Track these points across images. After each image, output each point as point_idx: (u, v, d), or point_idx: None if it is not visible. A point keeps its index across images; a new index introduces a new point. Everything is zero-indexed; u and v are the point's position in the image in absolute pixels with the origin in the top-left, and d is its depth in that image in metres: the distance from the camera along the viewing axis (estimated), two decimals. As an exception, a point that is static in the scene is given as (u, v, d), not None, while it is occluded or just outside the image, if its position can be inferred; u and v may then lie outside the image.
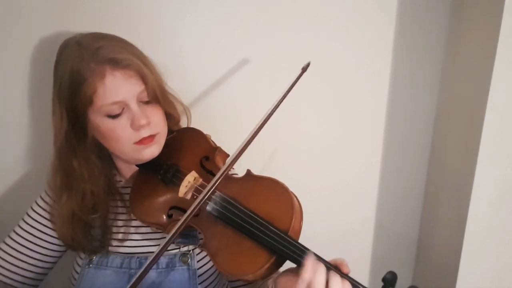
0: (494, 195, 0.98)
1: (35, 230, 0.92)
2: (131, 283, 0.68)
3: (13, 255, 0.92)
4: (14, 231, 0.93)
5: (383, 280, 0.71)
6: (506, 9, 0.87)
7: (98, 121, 0.82)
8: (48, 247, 0.93)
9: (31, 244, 0.92)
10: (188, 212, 0.74)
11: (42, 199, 0.94)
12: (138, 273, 0.68)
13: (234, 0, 1.04)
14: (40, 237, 0.93)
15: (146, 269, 0.69)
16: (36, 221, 0.93)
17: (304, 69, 0.86)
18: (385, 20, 1.08)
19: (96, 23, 0.92)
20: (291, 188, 0.81)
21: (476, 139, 0.95)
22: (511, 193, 0.99)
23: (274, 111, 0.81)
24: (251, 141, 0.80)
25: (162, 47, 1.03)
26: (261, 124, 0.80)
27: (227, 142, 0.91)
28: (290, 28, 1.07)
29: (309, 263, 0.70)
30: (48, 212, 0.93)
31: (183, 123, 0.99)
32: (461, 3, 1.04)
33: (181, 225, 0.73)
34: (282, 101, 0.81)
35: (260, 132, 0.83)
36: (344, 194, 1.22)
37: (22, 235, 0.92)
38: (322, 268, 0.69)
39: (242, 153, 0.80)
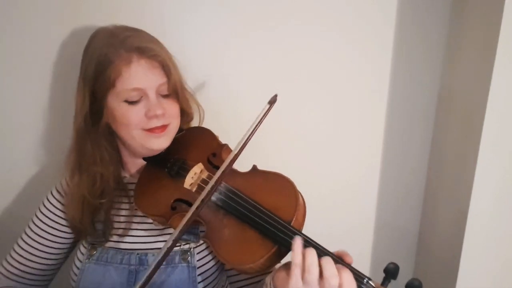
0: (495, 191, 0.99)
1: (50, 221, 0.94)
2: (148, 272, 0.71)
3: (29, 249, 0.94)
4: (33, 221, 0.95)
5: (385, 271, 0.72)
6: (506, 9, 0.87)
7: (115, 104, 0.85)
8: (62, 236, 0.95)
9: (46, 234, 0.94)
10: (200, 198, 0.76)
11: (58, 189, 0.96)
12: (153, 265, 0.70)
13: (239, 1, 1.05)
14: (54, 227, 0.94)
15: (160, 260, 0.71)
16: (50, 211, 0.95)
17: (272, 103, 0.86)
18: (385, 20, 1.08)
19: (99, 21, 0.92)
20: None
21: (476, 137, 0.95)
22: (511, 193, 0.99)
23: (244, 147, 0.81)
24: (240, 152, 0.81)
25: (166, 46, 1.04)
26: (232, 159, 0.81)
27: (230, 140, 0.91)
28: (291, 28, 1.08)
29: (297, 245, 0.70)
30: (61, 203, 0.95)
31: (195, 123, 1.00)
32: (461, 3, 1.04)
33: (193, 214, 0.75)
34: (251, 136, 0.82)
35: (262, 132, 0.84)
36: (345, 192, 1.22)
37: (38, 225, 0.94)
38: (311, 251, 0.70)
39: (244, 147, 0.81)
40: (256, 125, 0.82)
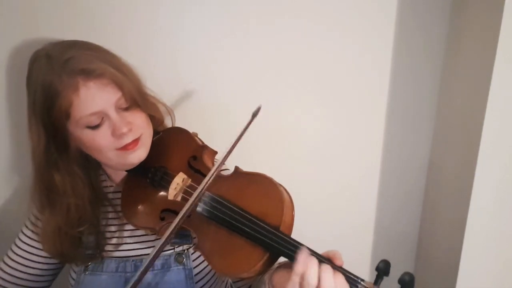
0: (494, 195, 0.98)
1: (28, 254, 0.92)
2: None
3: (10, 280, 0.92)
4: (8, 256, 0.93)
5: (376, 269, 0.72)
6: (506, 9, 0.86)
7: (78, 132, 0.81)
8: (44, 268, 0.93)
9: (26, 268, 0.92)
10: (178, 218, 0.73)
11: (31, 222, 0.93)
12: (133, 280, 0.67)
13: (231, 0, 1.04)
14: (35, 260, 0.92)
15: (141, 274, 0.68)
16: (27, 244, 0.92)
17: (255, 115, 0.83)
18: (385, 20, 1.08)
19: (90, 21, 0.90)
20: (292, 188, 0.81)
21: (476, 139, 0.95)
22: (510, 192, 0.99)
23: (227, 157, 0.79)
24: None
25: (156, 47, 1.03)
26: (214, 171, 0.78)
27: (221, 141, 0.89)
28: (290, 26, 1.07)
29: (301, 257, 0.70)
30: (36, 234, 0.92)
31: (168, 124, 0.98)
32: (461, 3, 1.03)
33: (172, 230, 0.72)
34: (234, 147, 0.79)
35: (260, 132, 0.83)
36: (344, 195, 1.22)
37: (16, 260, 0.92)
38: (314, 261, 0.69)
39: (225, 160, 0.79)
40: (238, 137, 0.79)
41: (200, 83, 1.09)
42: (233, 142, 0.79)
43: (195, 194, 0.75)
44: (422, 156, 1.20)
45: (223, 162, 0.79)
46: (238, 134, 0.80)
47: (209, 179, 0.77)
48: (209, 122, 1.01)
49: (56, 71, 0.77)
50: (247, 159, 0.87)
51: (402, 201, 1.23)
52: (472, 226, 1.00)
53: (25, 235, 0.93)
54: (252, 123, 0.81)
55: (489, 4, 0.92)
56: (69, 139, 0.83)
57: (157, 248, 0.69)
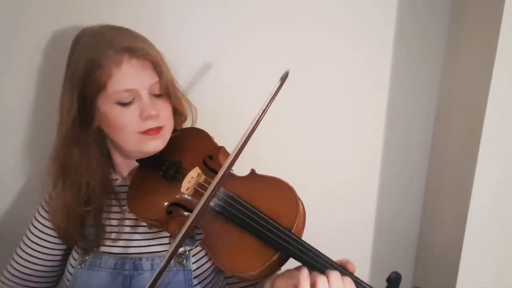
0: (494, 193, 0.98)
1: (41, 241, 0.93)
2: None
3: (26, 265, 0.93)
4: (23, 242, 0.94)
5: (388, 280, 0.72)
6: (506, 9, 0.87)
7: (107, 107, 0.82)
8: (55, 254, 0.95)
9: (40, 254, 0.93)
10: (199, 206, 0.75)
11: (43, 207, 0.94)
12: (152, 279, 0.71)
13: (237, 0, 1.05)
14: (48, 246, 0.94)
15: (162, 269, 0.71)
16: (40, 231, 0.93)
17: (284, 79, 0.84)
18: (385, 20, 1.08)
19: (98, 21, 0.91)
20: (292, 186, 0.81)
21: (476, 138, 0.95)
22: (510, 191, 0.99)
23: (259, 123, 0.80)
24: (248, 140, 0.80)
25: (164, 46, 1.03)
26: (248, 135, 0.79)
27: (229, 142, 0.91)
28: (290, 27, 1.07)
29: (303, 279, 0.69)
30: (49, 221, 0.93)
31: (188, 123, 0.99)
32: (461, 3, 1.04)
33: (191, 223, 0.74)
34: (265, 112, 0.80)
35: (261, 131, 0.83)
36: (344, 193, 1.22)
37: (30, 246, 0.94)
38: (321, 278, 0.69)
39: (243, 149, 0.80)
40: (266, 106, 0.80)
41: (206, 85, 1.09)
42: (261, 111, 0.80)
43: (213, 184, 0.77)
44: (422, 155, 1.20)
45: (247, 140, 0.79)
46: (267, 101, 0.80)
47: (229, 166, 0.78)
48: (214, 125, 1.01)
49: (102, 47, 0.80)
50: (248, 159, 0.87)
51: (402, 200, 1.23)
52: (472, 224, 1.00)
53: (42, 216, 0.94)
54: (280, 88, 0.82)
55: (489, 4, 0.92)
56: (94, 115, 0.84)
57: (176, 243, 0.71)
